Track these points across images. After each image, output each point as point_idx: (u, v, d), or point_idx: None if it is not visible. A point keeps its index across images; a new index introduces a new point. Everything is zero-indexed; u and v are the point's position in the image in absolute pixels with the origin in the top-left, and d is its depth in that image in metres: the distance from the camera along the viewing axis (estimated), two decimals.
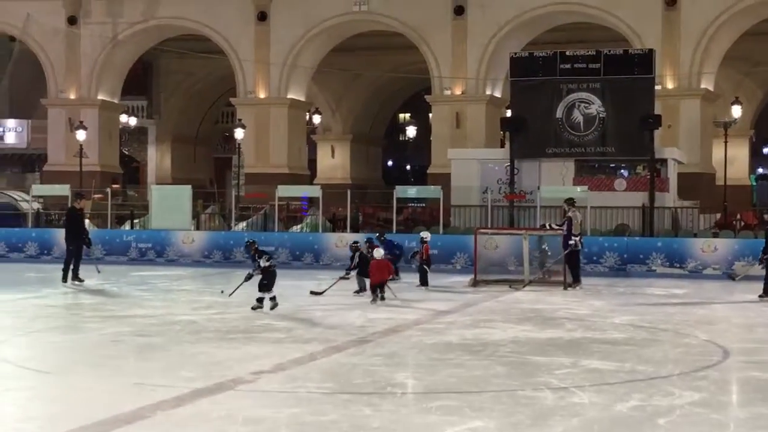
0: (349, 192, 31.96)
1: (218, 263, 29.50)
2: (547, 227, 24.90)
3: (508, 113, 38.87)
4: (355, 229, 31.39)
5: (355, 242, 21.75)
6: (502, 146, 40.16)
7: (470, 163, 34.64)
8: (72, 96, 46.47)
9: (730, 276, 24.50)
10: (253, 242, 17.86)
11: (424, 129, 52.77)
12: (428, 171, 42.65)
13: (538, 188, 30.58)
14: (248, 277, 17.39)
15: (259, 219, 34.90)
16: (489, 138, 42.35)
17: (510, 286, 22.66)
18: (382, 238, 23.70)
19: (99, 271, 23.64)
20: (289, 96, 44.68)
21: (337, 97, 56.34)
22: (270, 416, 8.97)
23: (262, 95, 44.59)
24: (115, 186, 43.48)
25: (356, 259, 20.73)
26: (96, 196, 39.23)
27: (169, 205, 32.16)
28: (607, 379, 11.19)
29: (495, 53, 41.72)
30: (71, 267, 22.76)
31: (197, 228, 33.05)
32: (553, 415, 9.27)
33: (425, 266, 22.74)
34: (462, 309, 18.64)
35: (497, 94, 43.32)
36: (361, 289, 20.51)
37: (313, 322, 16.14)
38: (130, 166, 57.27)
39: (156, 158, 58.05)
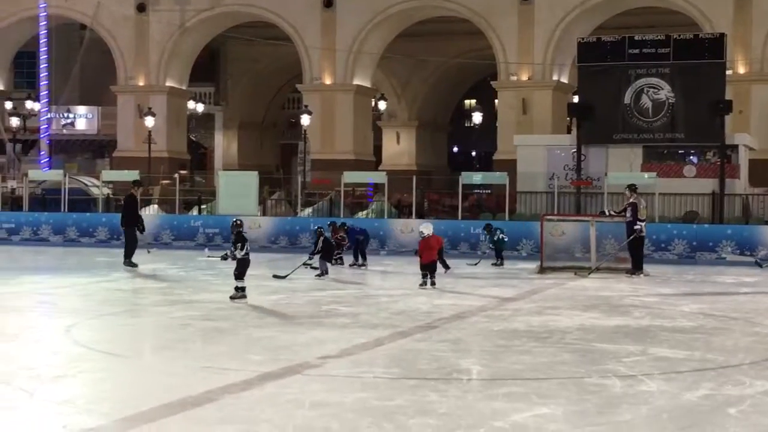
0: (414, 178, 31.98)
1: (284, 248, 29.71)
2: (606, 214, 24.66)
3: (576, 99, 38.57)
4: (420, 215, 31.41)
5: (319, 227, 22.01)
6: (569, 132, 39.86)
7: (537, 149, 34.43)
8: (141, 83, 47.08)
9: (758, 263, 23.92)
10: (239, 224, 17.23)
11: (490, 115, 52.51)
12: (494, 157, 42.49)
13: (606, 175, 30.30)
14: (224, 258, 17.21)
15: (324, 205, 35.06)
16: (556, 124, 42.07)
17: (575, 273, 22.49)
18: (345, 228, 23.84)
19: (149, 252, 24.27)
20: (355, 82, 44.76)
21: (402, 83, 56.29)
22: (337, 401, 9.00)
23: (328, 81, 44.75)
24: (182, 172, 43.97)
25: (320, 244, 21.07)
26: (164, 182, 39.74)
27: (236, 190, 32.46)
28: (676, 367, 11.05)
29: (562, 38, 41.40)
30: (128, 252, 23.26)
31: (264, 214, 33.33)
32: (621, 403, 9.17)
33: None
34: (528, 296, 18.54)
35: (564, 79, 42.97)
36: (323, 272, 20.85)
37: (378, 308, 16.17)
38: (198, 152, 57.91)
39: (223, 144, 58.58)
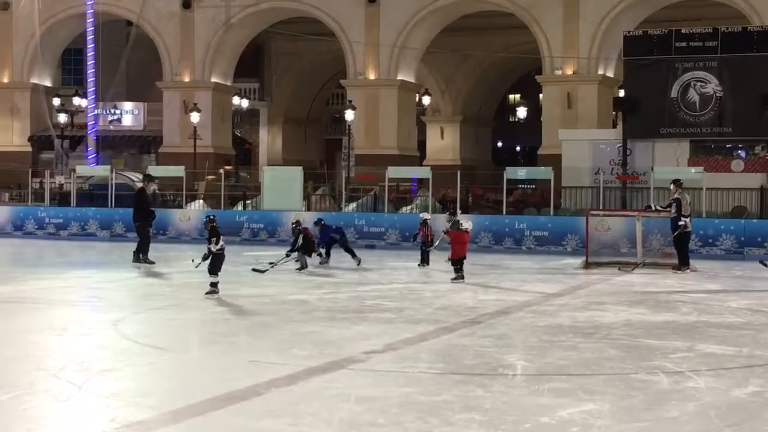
0: (458, 173, 31.85)
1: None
2: (653, 209, 24.45)
3: (621, 93, 38.30)
4: (465, 210, 31.30)
5: (298, 222, 22.08)
6: (615, 126, 39.60)
7: (582, 144, 34.24)
8: (186, 79, 47.38)
9: (762, 262, 23.30)
10: (213, 218, 17.25)
11: (535, 110, 52.28)
12: (539, 152, 42.28)
13: (652, 169, 30.04)
14: (205, 257, 16.90)
15: (368, 200, 35.08)
16: (601, 118, 41.76)
17: (619, 269, 22.30)
18: (322, 224, 23.41)
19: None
20: (399, 77, 44.74)
21: (446, 78, 56.17)
22: (382, 395, 9.01)
23: (372, 77, 44.75)
24: (227, 167, 44.21)
25: (300, 240, 21.29)
26: (209, 177, 39.97)
27: (281, 186, 32.53)
28: (725, 363, 10.94)
29: (608, 32, 41.09)
30: (141, 248, 22.90)
31: (308, 209, 33.37)
32: (668, 399, 9.10)
33: (425, 246, 22.63)
34: (573, 291, 18.44)
35: (610, 73, 42.64)
36: (303, 266, 21.13)
37: (423, 303, 16.16)
38: (242, 148, 58.16)
39: (267, 140, 58.81)
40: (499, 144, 67.76)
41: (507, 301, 16.53)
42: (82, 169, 38.99)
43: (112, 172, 35.02)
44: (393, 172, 33.03)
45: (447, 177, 34.89)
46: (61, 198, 38.35)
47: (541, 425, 8.10)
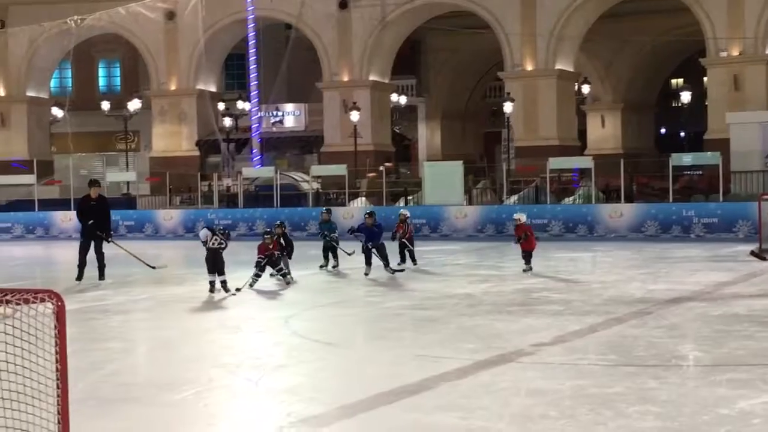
0: (621, 162, 31.27)
1: (491, 237, 29.70)
2: None
3: None
4: (629, 200, 30.74)
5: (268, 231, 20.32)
6: None
7: (751, 127, 33.13)
8: (345, 78, 48.00)
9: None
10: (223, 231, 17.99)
11: (699, 93, 50.78)
12: (704, 137, 41.10)
13: None
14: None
15: (530, 192, 34.85)
16: None
17: None
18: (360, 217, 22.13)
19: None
20: (557, 67, 44.19)
21: (605, 66, 55.21)
22: (553, 388, 8.91)
23: (529, 68, 44.36)
24: (388, 164, 44.60)
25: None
26: (370, 174, 40.45)
27: (441, 181, 32.66)
28: None
29: None
30: (90, 263, 19.71)
31: (469, 203, 33.40)
32: None
33: (407, 245, 21.54)
34: (747, 279, 17.83)
35: None
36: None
37: (590, 294, 15.93)
38: (402, 144, 58.56)
39: (426, 135, 59.05)
40: (662, 130, 66.14)
41: (677, 291, 16.11)
42: (247, 171, 40.07)
43: (276, 173, 35.82)
44: (554, 163, 32.71)
45: (609, 166, 34.29)
46: (228, 200, 39.50)
47: (721, 417, 7.86)
